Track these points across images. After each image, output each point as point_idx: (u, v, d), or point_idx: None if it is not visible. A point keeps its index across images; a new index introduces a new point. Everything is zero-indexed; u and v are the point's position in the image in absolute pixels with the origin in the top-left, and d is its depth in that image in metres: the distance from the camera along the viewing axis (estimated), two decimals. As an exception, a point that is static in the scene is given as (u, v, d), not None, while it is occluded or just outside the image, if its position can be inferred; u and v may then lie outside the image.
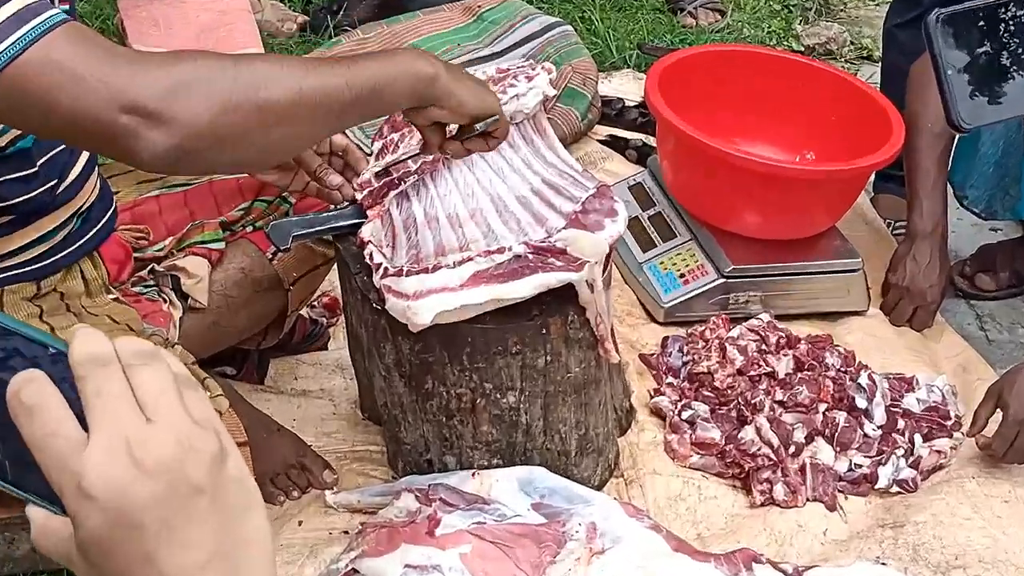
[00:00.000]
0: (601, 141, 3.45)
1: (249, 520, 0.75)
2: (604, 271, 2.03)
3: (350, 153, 2.06)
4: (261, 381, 2.51)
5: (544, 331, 2.00)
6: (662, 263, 2.79)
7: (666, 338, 2.65)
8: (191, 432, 0.73)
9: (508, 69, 2.21)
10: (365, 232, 2.06)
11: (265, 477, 2.22)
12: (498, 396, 2.06)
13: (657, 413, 2.48)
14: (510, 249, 1.94)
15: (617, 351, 2.18)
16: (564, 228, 1.98)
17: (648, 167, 3.08)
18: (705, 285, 2.71)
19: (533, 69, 2.19)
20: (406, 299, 1.92)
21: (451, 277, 1.93)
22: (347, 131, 2.11)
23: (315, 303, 2.67)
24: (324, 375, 2.55)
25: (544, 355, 2.03)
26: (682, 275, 2.75)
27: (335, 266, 2.26)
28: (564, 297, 2.00)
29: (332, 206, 2.26)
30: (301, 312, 2.52)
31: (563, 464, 2.19)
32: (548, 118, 3.27)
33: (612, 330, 2.28)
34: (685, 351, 2.57)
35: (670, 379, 2.54)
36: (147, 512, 0.70)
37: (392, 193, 2.11)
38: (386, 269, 1.98)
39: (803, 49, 4.18)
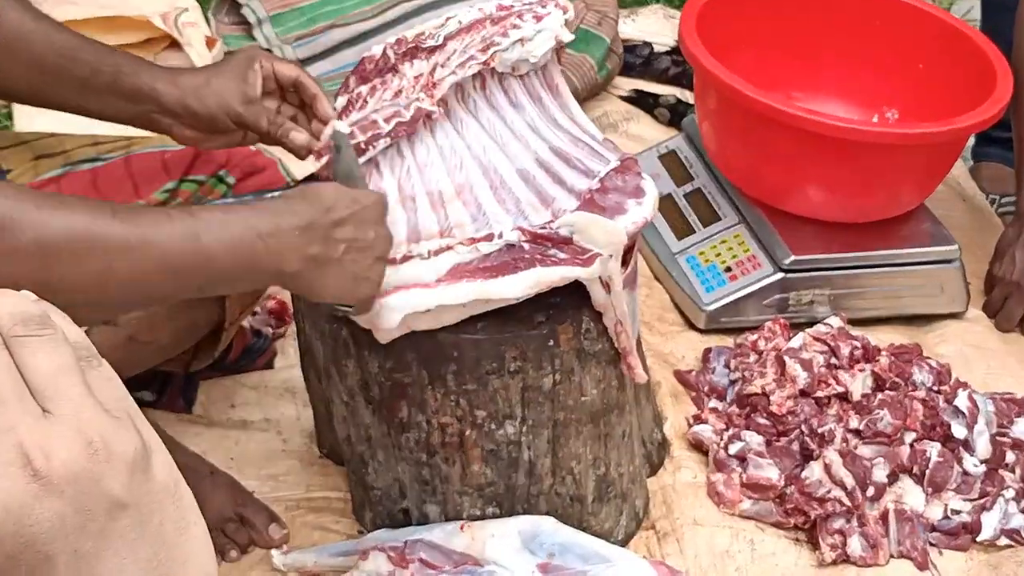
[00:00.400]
0: (624, 97, 3.45)
1: (186, 537, 0.74)
2: (627, 266, 2.02)
3: (304, 89, 2.05)
4: (189, 410, 2.50)
5: (551, 343, 1.98)
6: (702, 254, 2.79)
7: (708, 350, 2.64)
8: (103, 426, 0.70)
9: (511, 6, 2.20)
10: None
11: (194, 533, 2.20)
12: (493, 427, 2.04)
13: (697, 446, 2.47)
14: (500, 236, 1.93)
15: (645, 368, 2.17)
16: (574, 211, 1.97)
17: (684, 130, 3.07)
18: (758, 282, 2.70)
19: (544, 6, 2.18)
20: None
21: (425, 270, 1.92)
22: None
23: (258, 308, 2.66)
24: (269, 401, 2.53)
25: (551, 373, 2.01)
26: (728, 269, 2.74)
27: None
28: (577, 299, 1.98)
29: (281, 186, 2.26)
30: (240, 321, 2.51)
31: (577, 513, 2.17)
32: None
33: (639, 341, 2.28)
34: (732, 367, 2.56)
35: (714, 402, 2.53)
36: (55, 540, 0.68)
37: (359, 161, 2.10)
38: (344, 259, 1.96)
39: (882, -23, 4.17)
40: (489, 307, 1.93)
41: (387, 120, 2.07)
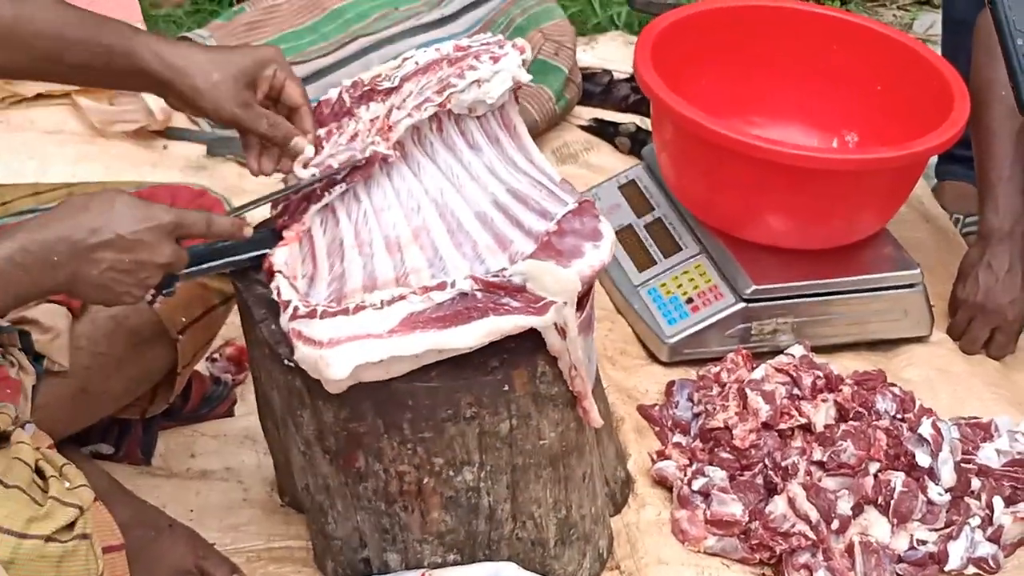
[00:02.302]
0: (584, 127, 3.45)
1: None
2: (582, 310, 2.02)
3: (300, 121, 2.11)
4: (148, 461, 2.48)
5: (506, 388, 1.98)
6: (664, 285, 2.79)
7: (671, 383, 2.64)
8: None
9: (468, 47, 2.20)
10: (277, 259, 2.04)
11: (153, 589, 2.19)
12: (451, 473, 2.04)
13: (661, 483, 2.46)
14: (453, 284, 1.93)
15: (605, 410, 2.16)
16: (530, 256, 1.97)
17: (644, 159, 3.07)
18: (720, 312, 2.71)
19: (501, 47, 2.18)
20: (319, 347, 1.91)
21: (376, 320, 1.91)
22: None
23: (216, 355, 2.65)
24: (230, 450, 2.52)
25: (508, 418, 2.01)
26: (690, 300, 2.74)
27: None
28: (531, 342, 1.98)
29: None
30: (197, 368, 2.50)
31: (539, 557, 2.17)
32: (514, 104, 3.32)
33: (599, 380, 2.28)
34: (696, 400, 2.56)
35: (677, 437, 2.53)
36: None
37: (314, 207, 2.10)
38: (296, 308, 1.96)
39: (846, -9, 4.22)
40: (442, 356, 1.93)
41: (343, 164, 2.08)
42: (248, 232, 1.98)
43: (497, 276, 1.94)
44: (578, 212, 2.06)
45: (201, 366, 2.59)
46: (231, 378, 2.63)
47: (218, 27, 3.51)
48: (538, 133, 3.33)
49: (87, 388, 2.15)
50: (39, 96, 3.26)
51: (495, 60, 2.14)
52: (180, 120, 3.32)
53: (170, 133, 3.26)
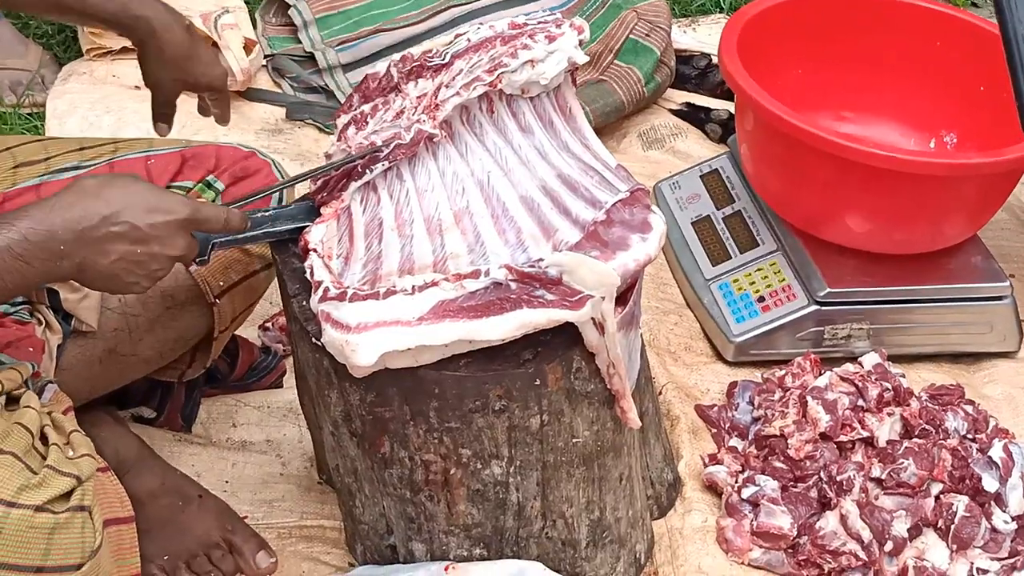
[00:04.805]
0: (675, 111, 3.34)
1: None
2: (624, 305, 1.91)
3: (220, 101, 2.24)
4: (188, 428, 2.43)
5: (538, 382, 1.89)
6: (736, 281, 2.68)
7: (733, 384, 2.53)
8: None
9: (525, 24, 2.11)
10: (313, 236, 1.97)
11: (178, 560, 2.14)
12: (479, 466, 1.95)
13: (712, 488, 2.36)
14: (487, 274, 1.84)
15: (656, 409, 2.06)
16: (574, 246, 1.88)
17: (731, 148, 2.95)
18: (791, 313, 2.59)
19: (558, 26, 2.09)
20: (346, 332, 1.83)
21: (407, 307, 1.83)
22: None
23: (269, 324, 2.58)
24: (273, 422, 2.46)
25: (539, 414, 1.92)
26: (761, 299, 2.63)
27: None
28: (567, 336, 1.88)
29: (275, 202, 2.20)
30: (247, 336, 2.44)
31: (569, 558, 2.09)
32: (601, 79, 3.22)
33: (649, 378, 2.18)
34: (756, 403, 2.44)
35: (734, 441, 2.42)
36: None
37: (354, 184, 2.02)
38: (327, 290, 1.88)
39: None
40: (472, 347, 1.85)
41: (386, 142, 2.00)
42: None
43: (533, 267, 1.84)
44: (629, 202, 1.97)
45: (252, 334, 2.53)
46: (282, 348, 2.56)
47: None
48: (625, 115, 3.23)
49: (116, 350, 2.11)
50: (124, 50, 3.20)
51: (551, 40, 2.04)
52: (261, 81, 3.27)
53: (250, 94, 3.20)
